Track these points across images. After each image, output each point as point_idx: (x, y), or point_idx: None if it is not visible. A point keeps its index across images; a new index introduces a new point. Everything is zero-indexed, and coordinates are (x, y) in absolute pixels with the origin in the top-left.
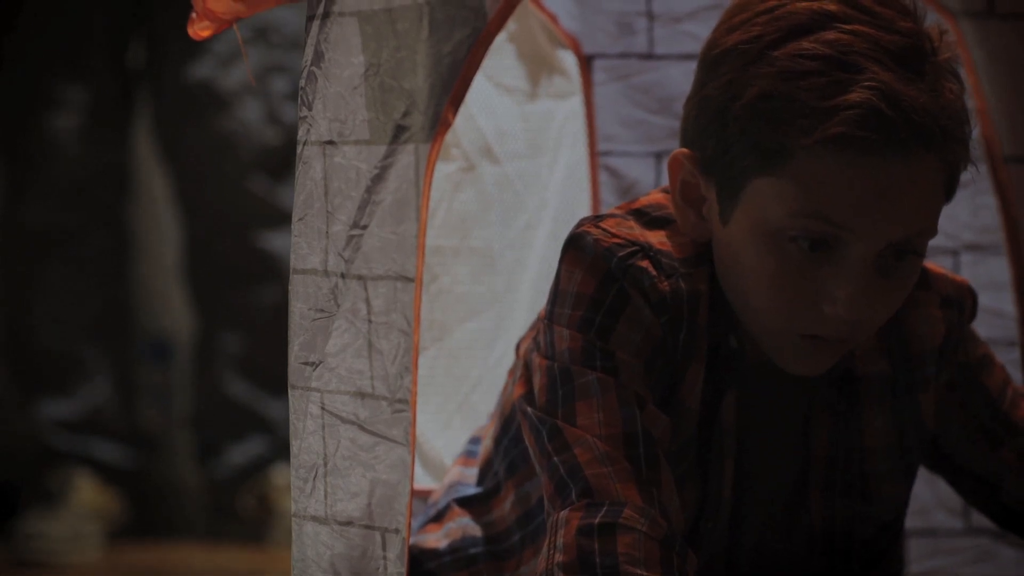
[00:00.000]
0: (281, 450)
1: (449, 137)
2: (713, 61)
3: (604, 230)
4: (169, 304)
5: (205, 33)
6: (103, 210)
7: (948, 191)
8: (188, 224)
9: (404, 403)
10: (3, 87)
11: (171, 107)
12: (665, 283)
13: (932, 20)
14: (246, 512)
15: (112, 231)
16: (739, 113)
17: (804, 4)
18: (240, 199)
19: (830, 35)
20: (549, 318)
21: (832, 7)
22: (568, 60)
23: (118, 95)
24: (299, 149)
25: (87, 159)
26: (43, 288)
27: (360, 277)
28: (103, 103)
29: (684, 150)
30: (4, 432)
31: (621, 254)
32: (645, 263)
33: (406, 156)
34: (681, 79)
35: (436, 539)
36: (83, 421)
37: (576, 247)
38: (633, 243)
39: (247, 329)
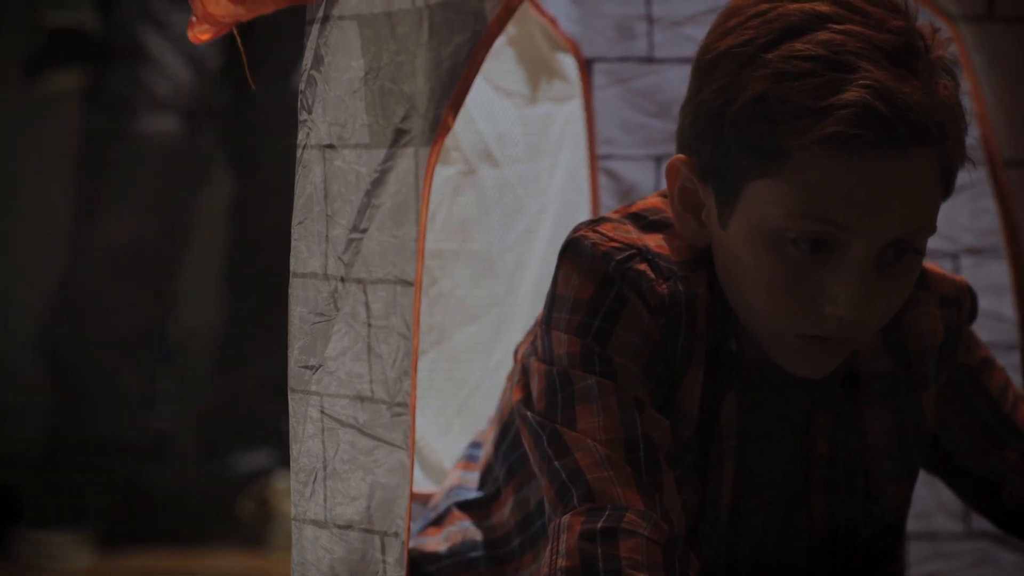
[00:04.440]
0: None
1: (449, 141)
2: (707, 66)
3: (601, 234)
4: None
5: (205, 37)
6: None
7: (945, 188)
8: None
9: (403, 407)
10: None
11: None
12: (663, 286)
13: (925, 19)
14: (246, 516)
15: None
16: (734, 117)
17: (796, 6)
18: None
19: (823, 35)
20: (547, 323)
21: (824, 8)
22: (568, 64)
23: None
24: (299, 153)
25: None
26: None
27: (360, 281)
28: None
29: (681, 156)
30: (6, 436)
31: (619, 258)
32: (643, 266)
33: (406, 160)
34: (681, 83)
35: (436, 543)
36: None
37: (573, 251)
38: (631, 247)
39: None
